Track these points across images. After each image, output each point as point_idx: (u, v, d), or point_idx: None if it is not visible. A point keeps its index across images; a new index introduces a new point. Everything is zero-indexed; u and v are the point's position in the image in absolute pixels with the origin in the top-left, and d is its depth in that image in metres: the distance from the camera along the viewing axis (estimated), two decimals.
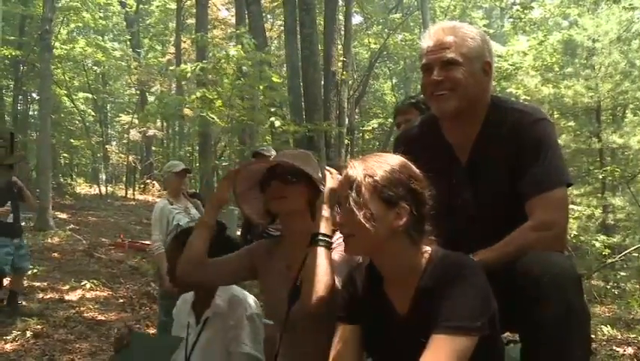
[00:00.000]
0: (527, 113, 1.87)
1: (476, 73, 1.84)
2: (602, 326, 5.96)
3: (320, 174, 2.17)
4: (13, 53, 18.00)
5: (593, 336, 5.39)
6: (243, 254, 2.30)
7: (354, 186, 1.59)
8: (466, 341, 1.48)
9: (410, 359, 1.55)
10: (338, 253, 2.06)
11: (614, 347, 5.10)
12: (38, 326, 5.96)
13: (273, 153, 5.15)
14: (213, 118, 9.82)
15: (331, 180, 1.97)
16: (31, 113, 23.57)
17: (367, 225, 1.56)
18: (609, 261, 10.64)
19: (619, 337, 5.62)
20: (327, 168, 2.05)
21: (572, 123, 18.00)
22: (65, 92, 20.93)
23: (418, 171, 1.68)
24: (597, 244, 11.54)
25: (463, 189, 1.87)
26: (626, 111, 19.46)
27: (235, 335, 2.44)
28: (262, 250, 2.29)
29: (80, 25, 20.35)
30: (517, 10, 15.38)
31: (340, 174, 1.71)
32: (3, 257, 6.38)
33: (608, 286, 9.56)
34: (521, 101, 2.20)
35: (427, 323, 1.54)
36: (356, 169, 1.62)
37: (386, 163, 1.64)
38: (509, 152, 1.83)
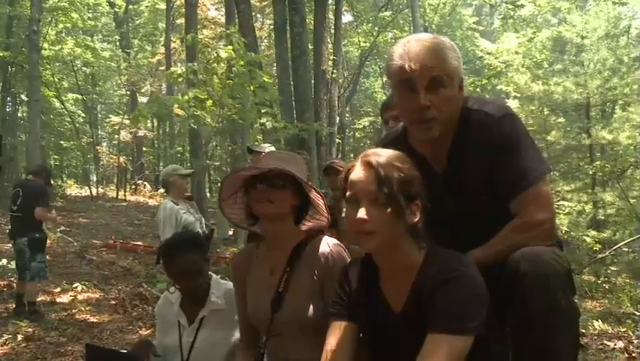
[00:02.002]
0: (490, 113, 1.83)
1: (456, 92, 1.80)
2: (594, 321, 5.99)
3: (306, 177, 2.15)
4: (1, 54, 17.86)
5: (584, 331, 5.43)
6: (236, 284, 2.29)
7: (384, 180, 1.57)
8: (462, 341, 1.49)
9: (404, 355, 1.56)
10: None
11: (605, 342, 5.13)
12: (30, 329, 5.93)
13: (268, 148, 5.14)
14: (205, 118, 9.80)
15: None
16: (20, 114, 23.41)
17: (395, 220, 1.56)
18: (600, 256, 10.71)
19: (610, 331, 5.66)
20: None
21: (561, 120, 18.09)
22: (55, 93, 20.79)
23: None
24: (588, 240, 11.62)
25: (443, 200, 1.83)
26: (615, 107, 19.57)
27: None
28: (242, 260, 2.28)
29: (69, 25, 20.19)
30: (507, 8, 15.42)
31: (339, 171, 1.68)
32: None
33: (599, 281, 9.61)
34: (485, 98, 2.18)
35: (422, 320, 1.55)
36: (380, 163, 1.60)
37: (401, 159, 1.64)
38: (482, 155, 1.81)
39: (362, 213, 1.58)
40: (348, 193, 1.64)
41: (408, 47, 1.77)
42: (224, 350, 2.50)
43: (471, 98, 1.92)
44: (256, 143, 9.52)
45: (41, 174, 7.02)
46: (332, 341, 1.72)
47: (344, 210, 1.68)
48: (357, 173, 1.63)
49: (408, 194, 1.59)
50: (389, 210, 1.56)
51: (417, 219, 1.61)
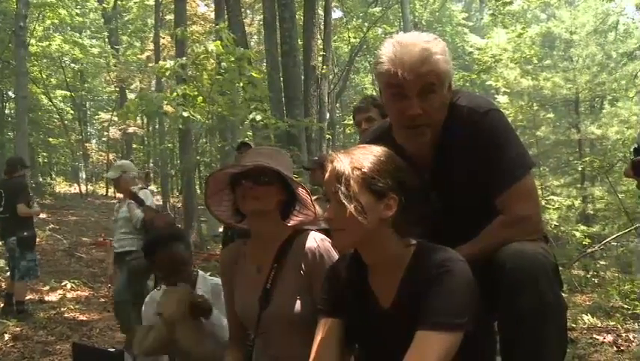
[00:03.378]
0: (475, 108, 1.83)
1: (445, 95, 1.80)
2: (583, 315, 6.02)
3: (292, 173, 2.14)
4: None
5: (573, 325, 5.47)
6: (224, 281, 2.28)
7: (342, 179, 1.57)
8: (451, 337, 1.48)
9: (393, 350, 1.55)
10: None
11: (595, 335, 5.15)
12: (17, 328, 5.88)
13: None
14: (194, 115, 9.75)
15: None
16: (7, 111, 23.21)
17: (359, 218, 1.55)
18: (589, 250, 10.77)
19: (599, 325, 5.69)
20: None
21: (551, 115, 18.17)
22: (42, 90, 20.64)
23: (403, 161, 1.68)
24: (577, 234, 11.68)
25: (429, 195, 1.83)
26: (604, 102, 19.71)
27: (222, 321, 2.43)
28: (230, 257, 2.26)
29: (56, 21, 20.02)
30: (496, 3, 15.45)
31: (325, 168, 1.68)
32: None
33: (589, 276, 9.67)
34: (469, 93, 2.17)
35: (411, 316, 1.54)
36: (342, 162, 1.60)
37: (372, 154, 1.63)
38: (467, 150, 1.81)
39: (328, 212, 1.62)
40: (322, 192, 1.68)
41: (400, 51, 1.74)
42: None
43: (456, 92, 1.91)
44: (246, 139, 9.49)
45: (16, 167, 6.88)
46: (320, 339, 1.72)
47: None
48: (326, 173, 1.65)
49: (375, 191, 1.58)
50: (351, 208, 1.55)
51: (392, 213, 1.59)
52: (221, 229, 13.48)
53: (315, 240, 2.06)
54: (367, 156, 1.62)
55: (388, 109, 1.89)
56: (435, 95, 1.75)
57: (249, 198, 2.02)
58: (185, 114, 9.15)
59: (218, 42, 8.91)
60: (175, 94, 9.43)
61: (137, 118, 22.79)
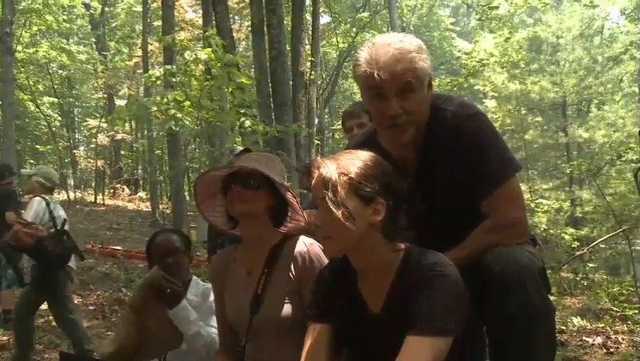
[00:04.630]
0: (458, 112, 1.84)
1: (425, 92, 1.80)
2: (572, 318, 6.05)
3: (285, 179, 2.15)
4: None
5: (563, 328, 5.49)
6: (214, 286, 2.28)
7: (329, 185, 1.56)
8: (441, 342, 1.48)
9: (383, 355, 1.55)
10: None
11: (584, 338, 5.18)
12: (4, 338, 5.81)
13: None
14: (183, 120, 9.73)
15: None
16: None
17: (347, 224, 1.54)
18: (578, 253, 10.83)
19: (588, 327, 5.71)
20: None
21: (538, 118, 18.33)
22: (30, 96, 20.50)
23: (390, 165, 1.67)
24: (566, 237, 11.75)
25: (414, 199, 1.83)
26: (591, 106, 19.88)
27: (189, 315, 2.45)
28: (220, 262, 2.26)
29: (43, 28, 19.93)
30: (483, 8, 15.56)
31: (312, 174, 1.68)
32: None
33: (578, 278, 9.72)
34: (453, 97, 2.18)
35: (400, 321, 1.54)
36: (329, 168, 1.59)
37: (358, 159, 1.63)
38: (451, 154, 1.81)
39: (316, 219, 1.61)
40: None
41: (375, 52, 1.75)
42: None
43: (439, 96, 1.92)
44: (235, 145, 9.47)
45: (4, 174, 6.80)
46: (309, 344, 1.71)
47: None
48: (312, 179, 1.65)
49: (362, 196, 1.58)
50: (339, 214, 1.54)
51: (380, 217, 1.59)
52: None
53: (305, 244, 2.07)
54: (354, 161, 1.62)
55: (370, 110, 1.90)
56: (413, 93, 1.75)
57: (237, 201, 2.03)
58: (178, 115, 9.13)
59: (209, 49, 8.90)
60: (165, 100, 9.40)
61: (126, 124, 22.69)
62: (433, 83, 1.86)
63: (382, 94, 1.75)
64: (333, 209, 1.54)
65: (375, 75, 1.72)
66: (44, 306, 7.26)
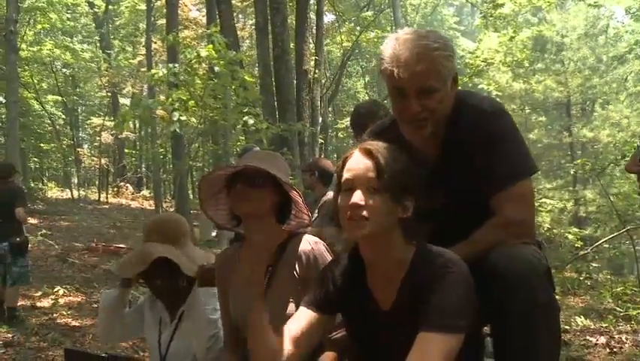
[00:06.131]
0: (481, 108, 1.84)
1: (449, 90, 1.80)
2: (576, 317, 6.04)
3: (288, 177, 2.14)
4: None
5: (567, 327, 5.48)
6: (219, 285, 2.27)
7: (383, 168, 1.56)
8: (453, 339, 1.48)
9: (394, 353, 1.54)
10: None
11: (588, 337, 5.17)
12: (9, 335, 5.83)
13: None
14: (189, 119, 9.75)
15: None
16: None
17: (389, 210, 1.56)
18: (581, 253, 10.81)
19: (592, 327, 5.71)
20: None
21: (542, 118, 18.29)
22: (34, 95, 20.53)
23: (413, 163, 1.68)
24: (570, 237, 11.73)
25: (432, 191, 1.85)
26: (595, 105, 19.82)
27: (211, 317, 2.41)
28: (225, 261, 2.26)
29: (47, 26, 19.95)
30: (487, 7, 15.52)
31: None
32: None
33: (581, 278, 9.70)
34: (481, 94, 2.17)
35: (411, 319, 1.54)
36: (380, 152, 1.59)
37: (400, 152, 1.64)
38: (472, 148, 1.82)
39: (357, 197, 1.56)
40: (344, 179, 1.62)
41: (397, 49, 1.74)
42: (202, 344, 2.47)
43: (465, 92, 1.93)
44: (239, 143, 9.47)
45: (10, 172, 6.80)
46: (292, 325, 1.73)
47: (338, 200, 1.64)
48: (356, 160, 1.62)
49: (404, 185, 1.58)
50: (385, 198, 1.55)
51: (409, 214, 1.60)
52: (214, 234, 13.50)
53: (310, 243, 2.07)
54: (396, 152, 1.63)
55: (392, 103, 1.90)
56: (436, 93, 1.76)
57: (242, 201, 2.02)
58: (183, 118, 9.14)
59: (211, 47, 8.91)
60: (170, 100, 9.42)
61: (130, 123, 22.69)
62: (457, 79, 1.85)
63: (403, 93, 1.76)
64: (383, 193, 1.55)
65: (396, 74, 1.72)
66: (47, 304, 7.32)
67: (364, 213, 1.55)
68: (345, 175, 1.62)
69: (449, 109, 1.84)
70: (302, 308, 1.76)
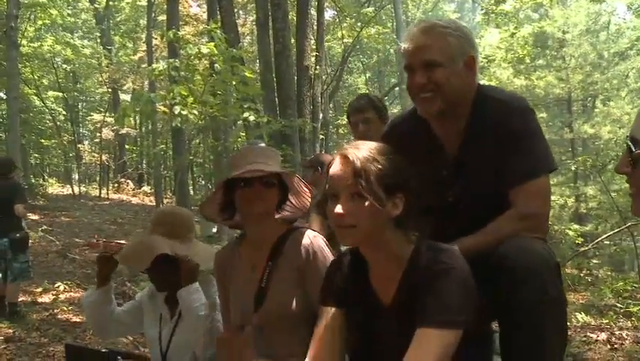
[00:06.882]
0: (507, 103, 1.86)
1: (459, 70, 1.82)
2: (577, 313, 6.04)
3: (280, 164, 2.20)
4: None
5: (567, 323, 5.49)
6: (219, 280, 2.29)
7: (362, 173, 1.55)
8: (451, 335, 1.49)
9: (395, 348, 1.55)
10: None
11: (588, 333, 5.17)
12: (10, 330, 5.83)
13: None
14: (190, 115, 9.73)
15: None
16: None
17: (374, 214, 1.55)
18: (582, 249, 10.82)
19: (592, 323, 5.71)
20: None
21: (544, 115, 18.25)
22: (34, 90, 20.51)
23: (405, 159, 1.67)
24: (571, 233, 11.73)
25: (452, 181, 1.87)
26: (596, 102, 19.79)
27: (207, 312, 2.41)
28: (224, 257, 2.27)
29: (48, 22, 19.92)
30: (489, 2, 15.49)
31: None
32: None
33: (582, 274, 9.71)
34: (507, 90, 2.19)
35: (411, 315, 1.54)
36: (359, 156, 1.58)
37: (382, 151, 1.63)
38: (494, 141, 1.83)
39: (339, 208, 1.57)
40: (328, 186, 1.62)
41: (412, 29, 1.86)
42: (199, 340, 2.47)
43: (491, 86, 1.99)
44: (239, 140, 9.47)
45: (10, 168, 6.79)
46: (321, 326, 1.73)
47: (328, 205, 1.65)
48: (335, 167, 1.62)
49: (387, 186, 1.57)
50: (367, 203, 1.54)
51: (399, 212, 1.59)
52: (215, 229, 13.51)
53: (309, 237, 2.08)
54: (379, 151, 1.62)
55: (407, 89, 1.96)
56: (442, 68, 1.79)
57: (257, 200, 2.04)
58: (184, 112, 9.12)
59: (212, 44, 8.89)
60: (171, 95, 9.40)
61: (130, 119, 22.67)
62: (475, 63, 1.87)
63: (411, 67, 1.83)
64: (366, 195, 1.54)
65: (403, 49, 1.83)
66: (47, 300, 7.32)
67: (350, 221, 1.56)
68: (329, 182, 1.63)
69: (468, 94, 1.87)
70: (322, 309, 1.76)
